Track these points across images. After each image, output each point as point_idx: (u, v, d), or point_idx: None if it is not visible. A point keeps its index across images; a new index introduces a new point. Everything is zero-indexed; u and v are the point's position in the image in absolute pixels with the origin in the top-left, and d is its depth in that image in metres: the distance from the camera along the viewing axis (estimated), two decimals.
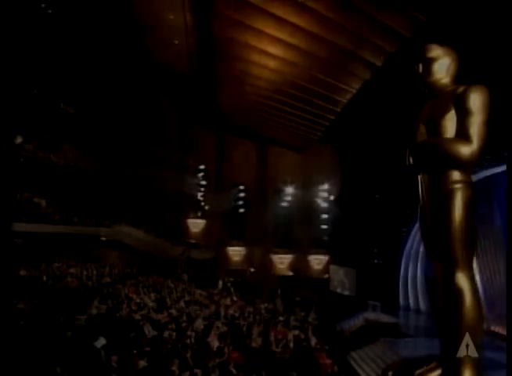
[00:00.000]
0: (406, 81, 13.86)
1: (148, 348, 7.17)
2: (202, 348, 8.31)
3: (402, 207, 17.19)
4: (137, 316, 9.02)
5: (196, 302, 13.57)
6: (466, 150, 2.18)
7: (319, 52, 13.63)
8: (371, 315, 14.40)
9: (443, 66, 2.52)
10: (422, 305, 15.88)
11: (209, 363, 7.34)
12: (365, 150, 18.23)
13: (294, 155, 21.80)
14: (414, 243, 16.47)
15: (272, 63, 14.80)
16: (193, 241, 21.01)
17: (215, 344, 8.87)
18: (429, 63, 2.51)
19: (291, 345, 11.13)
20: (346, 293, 18.12)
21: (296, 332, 12.14)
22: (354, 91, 15.90)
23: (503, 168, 11.93)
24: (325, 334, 13.23)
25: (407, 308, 16.37)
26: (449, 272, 2.27)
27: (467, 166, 2.27)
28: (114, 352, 5.48)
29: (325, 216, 21.43)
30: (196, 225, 21.65)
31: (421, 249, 16.08)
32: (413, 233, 16.31)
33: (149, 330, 8.42)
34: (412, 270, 16.55)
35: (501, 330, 12.49)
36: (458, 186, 2.25)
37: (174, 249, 18.91)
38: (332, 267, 19.94)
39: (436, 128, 2.33)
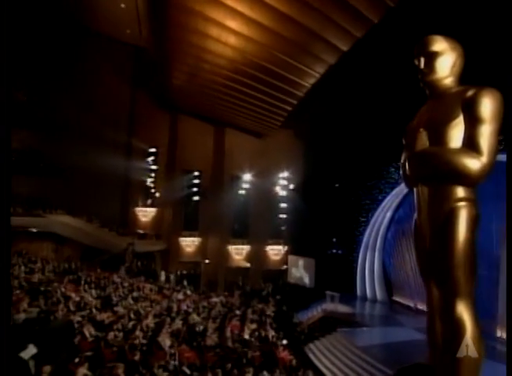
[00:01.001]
0: (373, 69, 14.35)
1: (89, 353, 6.65)
2: (152, 349, 7.96)
3: (361, 198, 18.17)
4: (77, 318, 8.33)
5: (145, 298, 13.01)
6: (475, 165, 1.98)
7: (283, 30, 13.27)
8: (329, 306, 14.89)
9: (448, 63, 2.28)
10: (379, 295, 16.99)
11: (160, 364, 7.04)
12: (327, 139, 18.53)
13: (254, 140, 21.39)
14: (372, 233, 17.37)
15: (231, 39, 14.17)
16: (142, 232, 20.04)
17: (167, 343, 8.56)
18: (432, 57, 2.27)
19: (248, 339, 11.24)
20: (305, 284, 18.51)
21: (254, 326, 12.19)
22: (318, 75, 15.95)
23: None
24: (283, 327, 13.47)
25: (364, 297, 17.26)
26: (449, 301, 2.15)
27: (474, 183, 2.07)
28: (47, 362, 4.95)
29: (284, 205, 21.39)
30: (145, 213, 20.65)
31: (379, 239, 17.32)
32: (372, 223, 17.33)
33: (90, 333, 7.83)
34: (370, 260, 17.42)
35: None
36: (462, 204, 2.07)
37: (121, 240, 17.88)
38: (290, 258, 20.24)
39: (439, 135, 2.13)
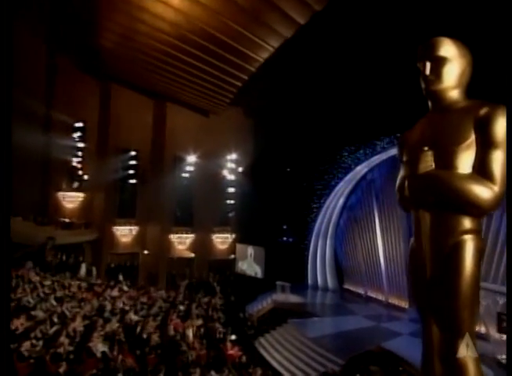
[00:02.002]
0: (331, 46, 14.26)
1: None
2: (81, 357, 7.17)
3: (313, 183, 18.39)
4: None
5: (72, 298, 11.84)
6: (487, 195, 1.91)
7: None
8: (280, 296, 15.14)
9: (456, 71, 2.17)
10: (330, 283, 17.59)
11: (91, 373, 6.34)
12: (279, 119, 18.37)
13: (199, 118, 20.28)
14: (324, 219, 17.81)
15: None
16: (67, 220, 18.21)
17: (99, 348, 7.80)
18: (439, 63, 2.15)
19: (194, 337, 10.91)
20: (254, 274, 18.61)
21: (199, 322, 11.87)
22: (272, 49, 15.53)
23: None
24: (232, 321, 13.34)
25: (315, 286, 17.77)
26: (451, 342, 2.05)
27: (484, 213, 2.02)
28: None
29: (231, 190, 20.94)
30: (71, 199, 18.67)
31: (331, 226, 17.84)
32: (324, 209, 17.71)
33: None
34: (322, 248, 17.91)
35: (397, 302, 14.83)
36: (469, 236, 2.02)
37: (40, 231, 16.02)
38: (239, 246, 20.07)
39: (448, 156, 2.05)
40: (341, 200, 17.48)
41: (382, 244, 15.45)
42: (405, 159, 2.29)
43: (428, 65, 2.15)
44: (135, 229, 19.77)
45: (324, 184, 17.79)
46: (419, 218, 2.16)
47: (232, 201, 21.29)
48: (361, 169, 16.24)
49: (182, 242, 20.31)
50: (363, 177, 16.61)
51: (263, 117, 19.79)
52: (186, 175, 20.53)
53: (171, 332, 11.09)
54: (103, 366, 6.62)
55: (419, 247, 2.19)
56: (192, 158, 20.64)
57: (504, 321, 9.40)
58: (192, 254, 20.31)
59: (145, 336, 10.06)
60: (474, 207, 1.95)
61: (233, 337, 11.13)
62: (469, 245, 2.02)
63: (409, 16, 11.03)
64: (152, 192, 19.25)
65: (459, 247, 2.02)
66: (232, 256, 20.53)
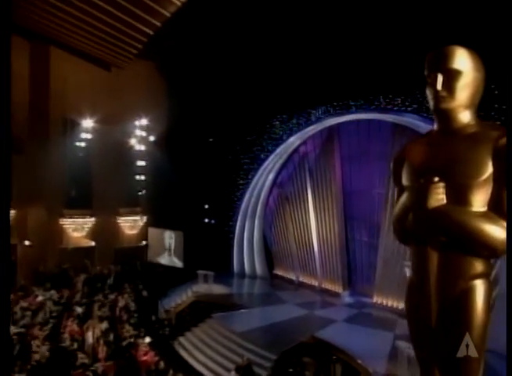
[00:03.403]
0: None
1: None
2: None
3: (239, 156, 18.14)
4: None
5: None
6: (504, 237, 1.97)
7: None
8: (202, 287, 14.97)
9: (472, 89, 2.16)
10: (258, 270, 17.79)
11: None
12: (200, 80, 17.56)
13: (98, 72, 18.36)
14: (252, 198, 17.70)
15: None
16: None
17: None
18: (452, 78, 2.12)
19: (97, 344, 10.08)
20: (171, 263, 18.33)
21: (104, 325, 11.37)
22: (179, 4, 14.69)
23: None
24: (145, 321, 13.10)
25: (242, 274, 17.89)
26: None
27: (499, 257, 2.08)
28: None
29: (141, 163, 19.81)
30: None
31: (259, 205, 17.84)
32: (251, 186, 17.57)
33: None
34: (249, 230, 17.89)
35: (330, 287, 15.57)
36: (481, 281, 2.11)
37: None
38: (151, 231, 19.86)
39: (464, 191, 2.08)
40: (271, 176, 17.46)
41: (315, 224, 15.93)
42: (406, 184, 2.30)
43: (440, 78, 2.12)
44: (12, 213, 17.17)
45: (252, 157, 17.62)
46: (424, 255, 2.19)
47: (142, 177, 20.12)
48: (293, 141, 16.27)
49: (78, 228, 18.43)
50: (296, 150, 16.73)
51: (181, 77, 18.79)
52: (82, 144, 18.40)
53: (67, 342, 10.35)
54: None
55: (422, 287, 2.23)
56: (88, 123, 18.58)
57: None
58: (93, 243, 18.71)
59: (29, 350, 9.27)
60: (489, 251, 2.02)
61: (147, 340, 10.77)
62: (480, 291, 2.09)
63: None
64: (34, 166, 16.78)
65: (470, 293, 2.09)
66: (144, 243, 19.84)
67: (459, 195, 2.07)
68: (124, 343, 10.65)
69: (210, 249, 17.06)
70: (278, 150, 16.60)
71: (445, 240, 2.09)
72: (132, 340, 10.58)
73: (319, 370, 10.27)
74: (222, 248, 17.93)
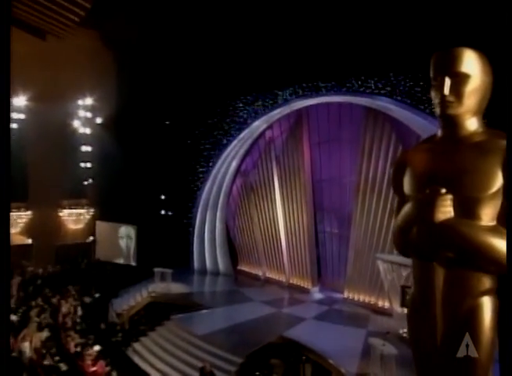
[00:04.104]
0: None
1: None
2: None
3: (199, 141, 17.81)
4: None
5: None
6: None
7: None
8: (159, 286, 14.76)
9: (480, 94, 2.21)
10: (221, 266, 17.64)
11: None
12: (155, 55, 17.01)
13: (31, 41, 17.33)
14: (213, 187, 17.44)
15: None
16: None
17: None
18: (461, 82, 2.16)
19: (36, 356, 9.53)
20: (122, 260, 18.14)
21: (44, 333, 10.87)
22: None
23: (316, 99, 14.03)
24: (93, 327, 12.72)
25: (204, 271, 17.71)
26: None
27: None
28: None
29: (87, 149, 19.37)
30: None
31: (222, 195, 17.61)
32: (213, 174, 17.25)
33: None
34: (211, 222, 17.67)
35: (299, 282, 15.67)
36: (487, 298, 2.20)
37: None
38: (99, 225, 19.41)
39: (470, 204, 2.15)
40: (234, 163, 17.29)
41: (283, 215, 15.94)
42: (409, 193, 2.34)
43: (448, 82, 2.15)
44: None
45: (213, 143, 17.37)
46: (429, 271, 2.25)
47: (87, 164, 19.51)
48: (258, 125, 16.08)
49: (11, 223, 17.46)
50: (261, 135, 16.62)
51: (132, 50, 18.02)
52: (13, 125, 17.37)
53: None
54: None
55: (427, 305, 2.29)
56: (21, 101, 17.54)
57: (407, 294, 10.71)
58: (29, 240, 17.90)
59: None
60: (499, 266, 2.08)
61: (97, 348, 10.41)
62: (488, 308, 2.18)
63: None
64: None
65: (477, 311, 2.17)
66: (91, 238, 19.36)
67: (468, 208, 2.12)
68: (70, 353, 10.30)
69: (167, 244, 16.86)
70: (242, 135, 16.38)
71: (452, 256, 2.15)
72: (79, 349, 10.22)
73: (288, 372, 10.40)
74: (181, 243, 17.69)
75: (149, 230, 17.65)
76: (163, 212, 19.15)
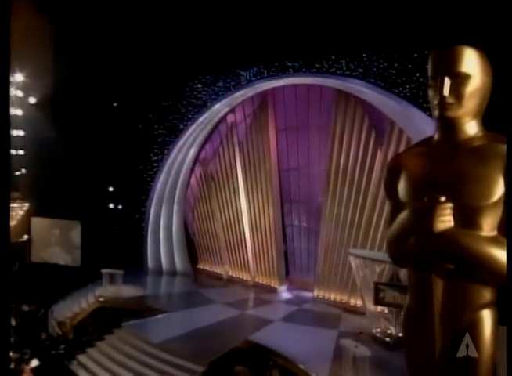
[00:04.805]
0: None
1: None
2: None
3: (153, 126, 17.55)
4: None
5: None
6: None
7: None
8: (108, 290, 14.42)
9: (480, 94, 2.26)
10: (179, 265, 17.36)
11: None
12: (98, 26, 16.33)
13: None
14: (169, 178, 17.10)
15: None
16: None
17: None
18: (461, 82, 2.21)
19: None
20: (64, 261, 17.61)
21: None
22: None
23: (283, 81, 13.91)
24: (29, 339, 12.35)
25: (159, 271, 17.40)
26: None
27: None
28: None
29: (18, 133, 18.76)
30: None
31: (179, 187, 17.25)
32: (168, 163, 16.93)
33: None
34: (166, 217, 17.38)
35: (266, 281, 15.65)
36: (487, 311, 2.30)
37: None
38: (35, 222, 18.80)
39: (471, 213, 2.21)
40: (193, 151, 17.05)
41: (247, 208, 15.89)
42: (404, 200, 2.38)
43: (448, 83, 2.19)
44: None
45: (168, 128, 17.06)
46: (427, 283, 2.34)
47: (20, 152, 18.54)
48: (219, 108, 15.86)
49: None
50: (222, 119, 16.47)
51: (71, 20, 17.27)
52: None
53: None
54: None
55: (424, 318, 2.38)
56: None
57: (381, 291, 10.93)
58: None
59: None
60: (500, 278, 2.16)
61: (34, 363, 10.38)
62: (488, 322, 2.26)
63: None
64: None
65: (478, 325, 2.27)
66: (26, 237, 18.61)
67: (468, 217, 2.18)
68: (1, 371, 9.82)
69: (117, 242, 16.61)
70: (201, 119, 16.12)
71: (452, 268, 2.22)
72: (13, 366, 9.96)
73: None
74: (133, 240, 17.38)
75: (96, 226, 17.28)
76: (111, 206, 18.74)
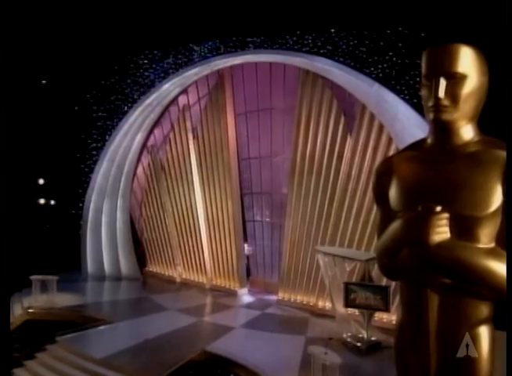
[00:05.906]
0: None
1: None
2: None
3: (90, 107, 17.33)
4: None
5: None
6: None
7: None
8: (38, 299, 14.07)
9: (477, 96, 2.35)
10: (124, 268, 17.16)
11: None
12: None
13: None
14: (112, 168, 16.89)
15: None
16: None
17: None
18: (457, 84, 2.28)
19: None
20: None
21: None
22: None
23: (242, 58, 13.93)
24: None
25: (101, 275, 17.20)
26: None
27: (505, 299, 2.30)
28: None
29: None
30: None
31: (123, 178, 17.01)
32: (110, 151, 16.69)
33: None
34: (109, 213, 17.19)
35: (225, 284, 15.66)
36: (484, 327, 2.39)
37: None
38: None
39: (468, 224, 2.27)
40: (139, 137, 16.86)
41: (203, 202, 15.91)
42: (396, 208, 2.46)
43: (443, 84, 2.25)
44: None
45: (110, 110, 16.83)
46: (422, 298, 2.41)
47: None
48: (169, 89, 15.75)
49: None
50: (173, 101, 16.39)
51: None
52: None
53: None
54: None
55: (418, 335, 2.48)
56: None
57: (352, 292, 11.17)
58: None
59: None
60: (499, 293, 2.25)
61: None
62: (485, 338, 2.36)
63: None
64: None
65: (475, 342, 2.35)
66: None
67: (464, 228, 2.25)
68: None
69: (49, 243, 16.34)
70: (148, 101, 15.95)
71: (448, 282, 2.30)
72: None
73: None
74: (69, 241, 17.07)
75: (24, 225, 16.67)
76: (42, 201, 18.40)
